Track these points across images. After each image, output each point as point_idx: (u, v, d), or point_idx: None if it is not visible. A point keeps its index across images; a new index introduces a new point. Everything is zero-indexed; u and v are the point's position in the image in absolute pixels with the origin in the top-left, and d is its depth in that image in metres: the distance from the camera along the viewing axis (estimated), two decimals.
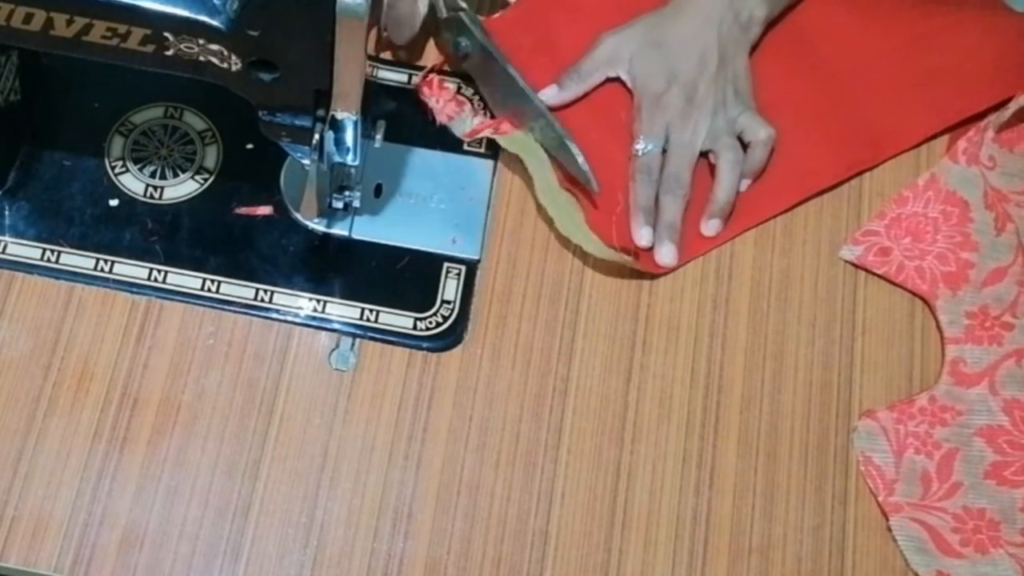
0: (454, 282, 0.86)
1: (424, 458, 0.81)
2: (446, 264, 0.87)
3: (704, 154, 0.90)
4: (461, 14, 0.90)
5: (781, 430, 0.84)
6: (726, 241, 0.89)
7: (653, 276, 0.87)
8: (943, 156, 0.92)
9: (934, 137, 0.93)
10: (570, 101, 0.92)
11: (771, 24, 0.93)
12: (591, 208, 0.88)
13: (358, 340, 0.84)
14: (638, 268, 0.86)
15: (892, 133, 0.93)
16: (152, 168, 0.87)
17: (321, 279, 0.86)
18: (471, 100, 0.92)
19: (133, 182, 0.87)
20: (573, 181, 0.88)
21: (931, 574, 0.80)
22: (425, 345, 0.84)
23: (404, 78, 0.92)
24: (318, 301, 0.85)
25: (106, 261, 0.84)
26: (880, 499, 0.82)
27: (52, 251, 0.84)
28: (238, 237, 0.86)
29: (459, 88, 0.92)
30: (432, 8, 0.91)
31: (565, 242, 0.87)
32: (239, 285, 0.85)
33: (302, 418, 0.81)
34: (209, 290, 0.84)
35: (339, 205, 0.84)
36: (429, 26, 0.92)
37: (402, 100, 0.91)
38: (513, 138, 0.88)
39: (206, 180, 0.87)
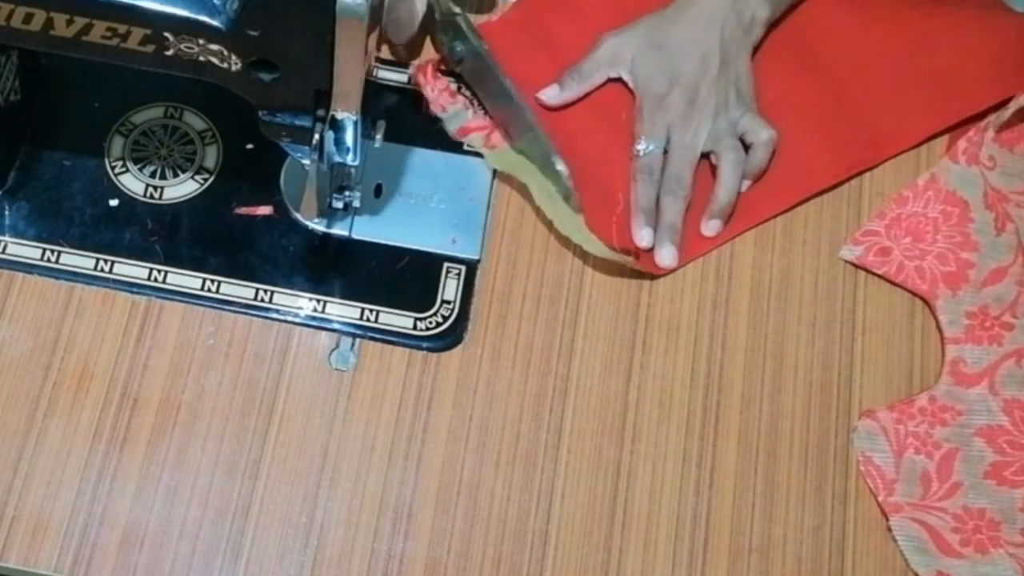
0: (454, 282, 0.86)
1: (424, 458, 0.81)
2: (446, 264, 0.87)
3: (705, 155, 0.90)
4: (457, 18, 0.90)
5: (781, 430, 0.84)
6: (726, 241, 0.89)
7: (653, 276, 0.87)
8: (943, 156, 0.92)
9: (934, 137, 0.93)
10: (571, 101, 0.92)
11: (773, 25, 0.93)
12: (591, 209, 0.88)
13: (358, 340, 0.84)
14: (638, 269, 0.87)
15: (892, 133, 0.93)
16: (152, 168, 0.87)
17: (321, 279, 0.86)
18: (465, 95, 0.91)
19: (133, 182, 0.87)
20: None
21: (931, 574, 0.80)
22: (425, 345, 0.84)
23: (404, 78, 0.92)
24: (318, 301, 0.85)
25: (106, 261, 0.84)
26: (880, 499, 0.82)
27: (52, 251, 0.84)
28: (238, 237, 0.86)
29: (459, 88, 0.92)
30: (431, 9, 0.91)
31: (565, 242, 0.87)
32: (239, 285, 0.85)
33: (302, 418, 0.81)
34: (209, 290, 0.84)
35: (339, 205, 0.84)
36: (428, 27, 0.92)
37: (402, 100, 0.91)
38: (502, 154, 0.88)
39: (206, 180, 0.87)
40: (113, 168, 0.87)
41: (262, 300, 0.84)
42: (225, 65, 0.71)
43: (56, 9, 0.69)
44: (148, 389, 0.81)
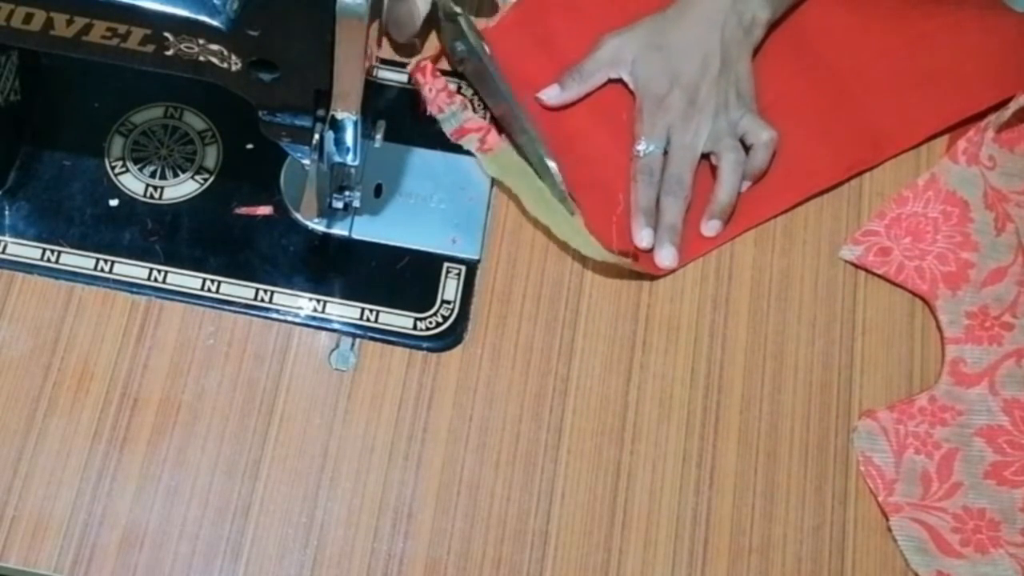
0: (454, 282, 0.86)
1: (424, 458, 0.81)
2: (446, 264, 0.87)
3: (705, 156, 0.90)
4: (458, 18, 0.90)
5: (781, 430, 0.84)
6: (726, 242, 0.89)
7: (653, 276, 0.87)
8: (943, 156, 0.92)
9: (934, 137, 0.93)
10: (572, 101, 0.92)
11: (773, 26, 0.93)
12: (591, 209, 0.88)
13: (358, 340, 0.84)
14: (638, 269, 0.86)
15: (892, 133, 0.93)
16: (152, 168, 0.87)
17: (321, 279, 0.86)
18: (464, 95, 0.91)
19: (133, 182, 0.87)
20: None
21: (931, 574, 0.80)
22: (425, 345, 0.84)
23: (404, 78, 0.92)
24: (318, 301, 0.85)
25: (106, 261, 0.84)
26: (880, 499, 0.82)
27: (52, 251, 0.84)
28: (238, 237, 0.86)
29: (459, 88, 0.92)
30: (434, 7, 0.91)
31: (565, 243, 0.87)
32: (239, 285, 0.85)
33: (302, 418, 0.81)
34: (209, 290, 0.84)
35: (339, 205, 0.84)
36: (433, 24, 0.92)
37: (402, 100, 0.91)
38: (496, 157, 0.88)
39: (206, 180, 0.87)
40: (113, 168, 0.87)
41: (262, 300, 0.84)
42: (225, 65, 0.71)
43: (56, 9, 0.69)
44: (148, 389, 0.81)
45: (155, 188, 0.87)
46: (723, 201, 0.88)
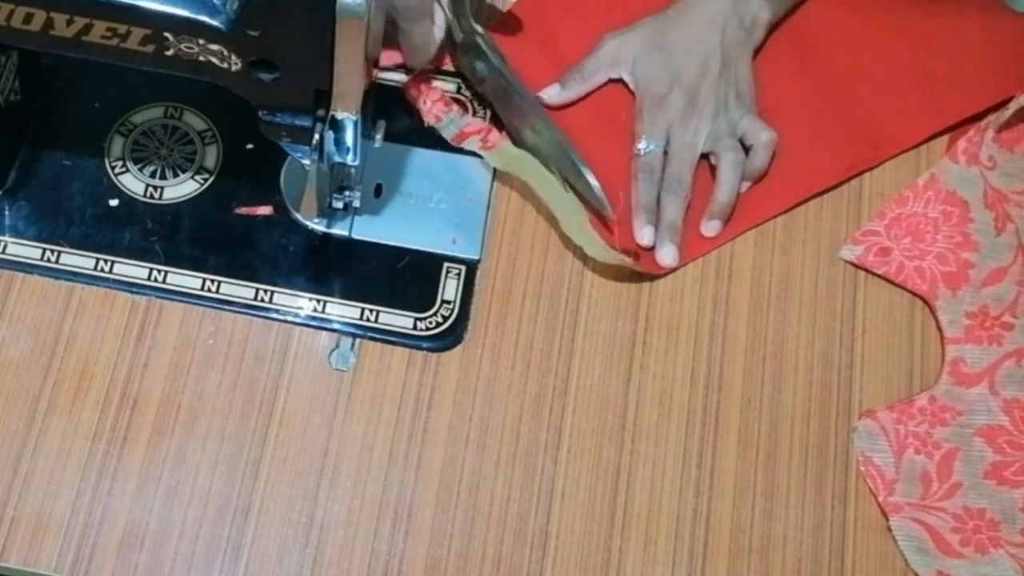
0: (454, 282, 0.86)
1: (424, 458, 0.81)
2: (446, 264, 0.87)
3: (705, 156, 0.90)
4: (477, 38, 0.90)
5: (781, 430, 0.84)
6: (726, 242, 0.89)
7: (653, 276, 0.87)
8: (943, 156, 0.92)
9: (934, 137, 0.93)
10: (572, 101, 0.92)
11: (774, 27, 0.93)
12: (591, 209, 0.88)
13: (358, 340, 0.84)
14: (639, 269, 0.87)
15: (892, 133, 0.93)
16: (152, 168, 0.87)
17: (321, 279, 0.86)
18: (460, 102, 0.91)
19: (133, 182, 0.87)
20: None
21: (931, 574, 0.80)
22: (425, 345, 0.84)
23: (404, 78, 0.92)
24: (318, 301, 0.85)
25: (106, 261, 0.84)
26: (880, 499, 0.82)
27: (52, 251, 0.85)
28: (238, 237, 0.86)
29: (458, 89, 0.92)
30: (449, 31, 0.90)
31: (565, 242, 0.87)
32: (239, 285, 0.85)
33: (302, 418, 0.81)
34: (209, 290, 0.84)
35: (339, 205, 0.84)
36: (447, 49, 0.92)
37: (402, 100, 0.91)
38: (501, 152, 0.88)
39: (206, 180, 0.87)
40: (113, 168, 0.87)
41: (262, 300, 0.84)
42: (225, 65, 0.71)
43: (56, 9, 0.69)
44: (148, 389, 0.81)
45: (155, 188, 0.87)
46: (723, 201, 0.88)
